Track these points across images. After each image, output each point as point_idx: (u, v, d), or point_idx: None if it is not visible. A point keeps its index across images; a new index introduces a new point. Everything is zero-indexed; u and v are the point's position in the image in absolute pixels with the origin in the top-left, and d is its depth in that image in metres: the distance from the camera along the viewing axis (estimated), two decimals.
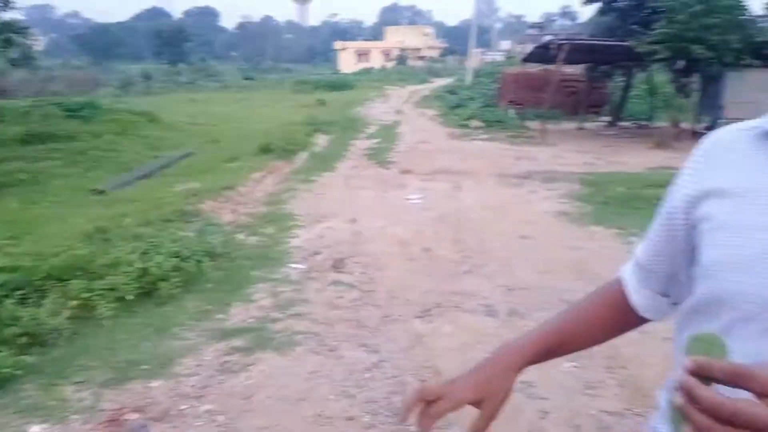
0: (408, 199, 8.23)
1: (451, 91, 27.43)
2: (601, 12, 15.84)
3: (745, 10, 12.41)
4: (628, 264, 0.96)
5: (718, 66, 12.08)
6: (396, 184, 9.26)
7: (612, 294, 0.97)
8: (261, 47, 76.49)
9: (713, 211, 0.75)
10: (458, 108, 20.65)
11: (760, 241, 0.69)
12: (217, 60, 64.43)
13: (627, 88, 17.53)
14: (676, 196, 0.83)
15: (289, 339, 3.84)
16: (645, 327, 3.17)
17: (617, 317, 0.96)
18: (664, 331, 3.83)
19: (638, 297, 0.93)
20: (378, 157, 11.93)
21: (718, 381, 0.54)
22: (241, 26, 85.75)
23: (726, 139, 0.80)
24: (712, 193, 0.76)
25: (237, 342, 3.81)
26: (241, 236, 6.39)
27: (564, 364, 3.41)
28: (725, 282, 0.71)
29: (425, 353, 3.67)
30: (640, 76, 17.78)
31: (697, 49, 11.49)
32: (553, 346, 0.93)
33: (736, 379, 0.54)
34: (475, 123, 17.22)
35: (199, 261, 5.02)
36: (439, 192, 8.64)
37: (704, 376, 0.54)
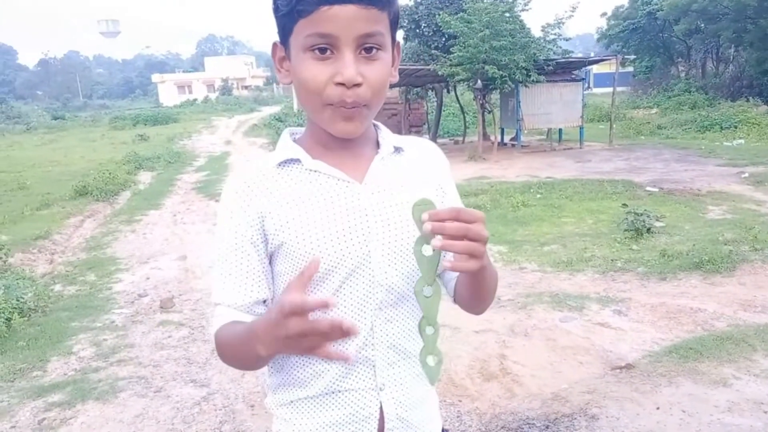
0: None
1: (279, 118, 27.51)
2: (406, 39, 16.98)
3: (527, 32, 14.02)
4: (222, 318, 1.05)
5: (511, 83, 13.48)
6: None
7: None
8: (69, 84, 71.04)
9: (275, 225, 1.02)
10: None
11: (313, 226, 1.01)
12: (20, 100, 58.96)
13: (440, 107, 18.88)
14: (246, 236, 1.04)
15: (112, 386, 3.75)
16: (457, 323, 3.56)
17: None
18: (474, 324, 4.31)
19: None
20: (207, 189, 11.74)
21: (445, 220, 0.85)
22: (43, 63, 78.68)
23: (253, 174, 1.06)
24: (266, 214, 1.03)
25: (55, 397, 3.64)
26: (58, 287, 6.05)
27: None
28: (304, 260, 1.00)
29: (255, 379, 3.77)
30: (450, 96, 19.22)
31: (491, 69, 12.75)
32: None
33: (456, 215, 0.86)
34: None
35: (8, 319, 4.70)
36: None
37: (437, 220, 0.85)
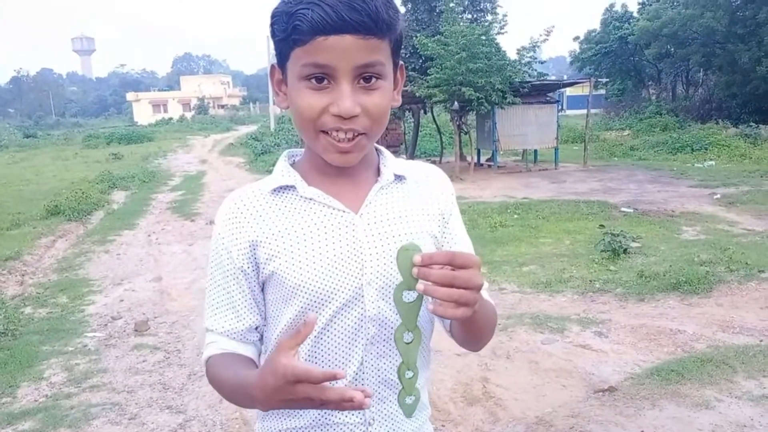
0: None
1: (256, 138, 27.41)
2: None
3: (503, 55, 14.21)
4: (214, 347, 1.05)
5: (487, 105, 13.62)
6: (203, 235, 9.08)
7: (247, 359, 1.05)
8: (42, 102, 70.15)
9: (266, 255, 1.00)
10: (264, 154, 20.77)
11: (305, 256, 0.98)
12: None
13: (417, 127, 18.99)
14: (234, 262, 1.02)
15: (85, 413, 3.63)
16: (439, 346, 3.55)
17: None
18: (456, 347, 4.28)
19: (253, 354, 1.07)
20: (183, 209, 11.60)
21: (438, 264, 0.82)
22: (16, 80, 77.57)
23: (247, 200, 1.04)
24: (258, 243, 1.01)
25: (26, 425, 3.51)
26: (28, 310, 5.89)
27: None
28: (307, 291, 0.98)
29: (233, 405, 3.68)
30: (427, 117, 19.35)
31: (467, 91, 12.87)
32: None
33: (449, 259, 0.82)
34: None
35: None
36: None
37: (426, 265, 0.82)
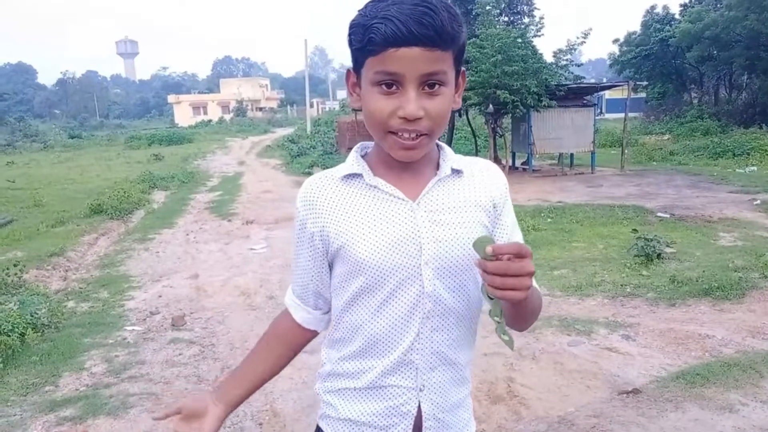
0: (252, 249, 8.30)
1: (292, 140, 27.79)
2: None
3: (539, 58, 14.15)
4: (287, 294, 1.31)
5: (522, 108, 13.57)
6: (239, 235, 9.30)
7: (282, 320, 1.32)
8: (87, 103, 72.11)
9: (335, 232, 1.14)
10: (300, 156, 21.07)
11: (369, 235, 1.11)
12: (38, 119, 59.94)
13: (452, 130, 19.00)
14: (306, 232, 1.18)
15: (123, 402, 3.80)
16: None
17: (289, 337, 1.32)
18: (482, 347, 4.32)
19: (298, 315, 1.29)
20: (220, 209, 11.86)
21: (506, 254, 0.93)
22: (62, 83, 79.57)
23: (321, 185, 1.18)
24: (328, 222, 1.14)
25: (67, 412, 3.69)
26: (71, 304, 6.13)
27: None
28: (372, 266, 1.11)
29: (264, 398, 3.82)
30: (462, 120, 19.35)
31: (502, 94, 12.86)
32: (241, 392, 1.32)
33: (516, 250, 0.93)
34: (317, 170, 17.68)
35: (22, 334, 4.78)
36: (284, 240, 8.71)
37: (496, 256, 0.93)
